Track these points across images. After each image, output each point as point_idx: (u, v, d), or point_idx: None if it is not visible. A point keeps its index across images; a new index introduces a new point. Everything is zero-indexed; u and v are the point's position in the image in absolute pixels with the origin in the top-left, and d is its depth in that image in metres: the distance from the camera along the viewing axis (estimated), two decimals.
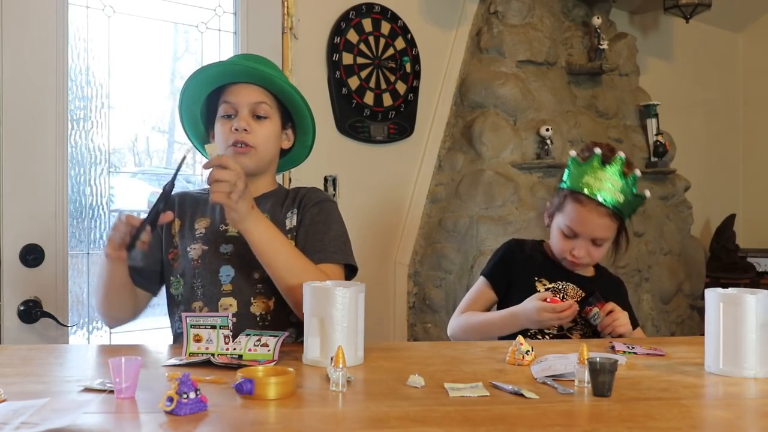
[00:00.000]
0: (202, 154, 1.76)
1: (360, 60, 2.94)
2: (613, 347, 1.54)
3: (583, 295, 1.84)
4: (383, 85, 3.01)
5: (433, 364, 1.37)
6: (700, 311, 3.65)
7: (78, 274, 2.26)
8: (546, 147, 3.09)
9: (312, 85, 2.71)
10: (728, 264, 4.10)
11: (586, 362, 1.16)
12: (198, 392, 1.02)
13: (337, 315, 1.32)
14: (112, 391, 1.10)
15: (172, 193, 1.50)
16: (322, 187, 2.79)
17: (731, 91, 4.63)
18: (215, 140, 1.66)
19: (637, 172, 1.81)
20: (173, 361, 1.34)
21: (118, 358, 1.08)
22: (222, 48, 2.62)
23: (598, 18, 3.41)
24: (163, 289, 1.71)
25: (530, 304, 1.74)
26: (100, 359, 1.42)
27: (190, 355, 1.36)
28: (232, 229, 1.64)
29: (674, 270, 3.66)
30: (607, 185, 1.78)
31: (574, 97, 3.40)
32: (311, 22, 2.79)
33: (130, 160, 2.43)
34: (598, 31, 3.40)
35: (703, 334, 1.37)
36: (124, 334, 2.38)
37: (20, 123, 2.11)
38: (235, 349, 1.36)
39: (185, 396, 1.00)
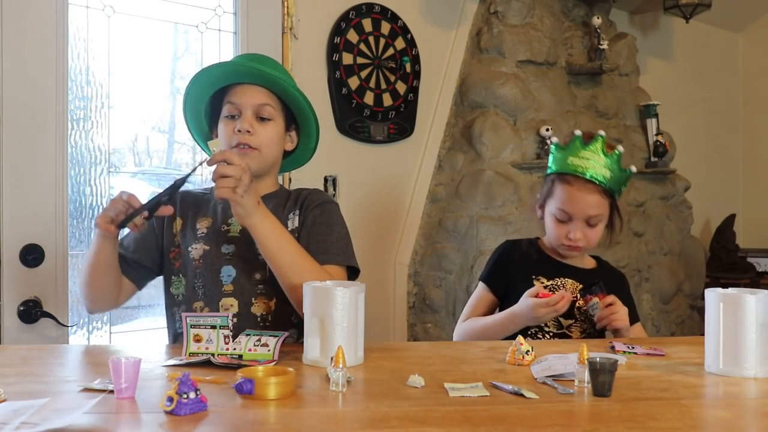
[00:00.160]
0: (206, 153, 1.76)
1: (360, 60, 2.94)
2: (613, 347, 1.54)
3: (582, 295, 1.84)
4: (383, 85, 3.01)
5: (433, 364, 1.37)
6: (700, 311, 3.65)
7: (78, 274, 2.26)
8: (546, 147, 3.09)
9: (312, 85, 2.71)
10: (728, 264, 4.10)
11: (586, 362, 1.16)
12: (198, 392, 1.02)
13: (337, 315, 1.32)
14: (112, 391, 1.10)
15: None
16: (322, 187, 2.79)
17: (731, 91, 4.63)
18: (219, 138, 1.66)
19: (620, 148, 1.82)
20: (173, 361, 1.34)
21: (118, 358, 1.08)
22: (222, 48, 2.62)
23: (598, 18, 3.41)
24: (160, 287, 1.71)
25: (525, 302, 1.73)
26: (100, 359, 1.42)
27: (190, 355, 1.36)
28: (233, 230, 1.64)
29: (674, 270, 3.66)
30: (592, 163, 1.79)
31: (574, 97, 3.40)
32: (311, 22, 2.79)
33: (130, 160, 2.44)
34: (598, 31, 3.40)
35: (703, 334, 1.37)
36: (124, 334, 2.39)
37: (20, 123, 2.11)
38: (235, 349, 1.36)
39: (185, 396, 1.00)
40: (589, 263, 1.94)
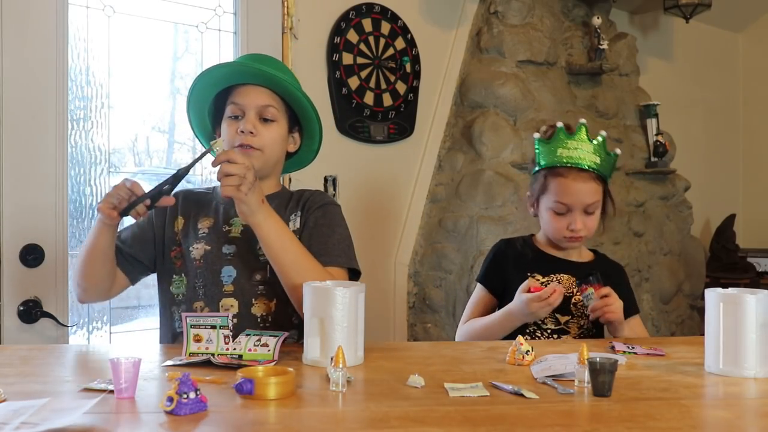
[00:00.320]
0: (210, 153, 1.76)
1: (360, 60, 2.94)
2: (613, 347, 1.54)
3: (578, 284, 1.82)
4: (383, 85, 3.01)
5: (433, 364, 1.37)
6: (700, 311, 3.65)
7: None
8: None
9: (312, 85, 2.71)
10: (728, 264, 4.10)
11: (586, 362, 1.16)
12: (198, 392, 1.02)
13: (337, 315, 1.32)
14: (112, 391, 1.10)
15: (176, 190, 1.49)
16: (322, 187, 2.79)
17: (731, 91, 4.63)
18: (222, 138, 1.65)
19: (603, 133, 1.83)
20: (173, 361, 1.34)
21: (118, 358, 1.08)
22: (222, 48, 2.62)
23: (598, 18, 3.41)
24: (155, 285, 1.71)
25: (519, 298, 1.73)
26: (100, 359, 1.42)
27: (190, 355, 1.36)
28: (235, 230, 1.64)
29: (674, 270, 3.66)
30: (582, 152, 1.80)
31: (574, 97, 3.40)
32: (311, 22, 2.79)
33: (130, 160, 2.44)
34: (598, 31, 3.40)
35: (703, 334, 1.37)
36: (124, 334, 2.39)
37: (20, 123, 2.11)
38: (235, 349, 1.36)
39: (185, 396, 1.00)
40: (586, 256, 1.94)
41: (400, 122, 3.07)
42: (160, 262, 1.69)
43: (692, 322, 3.77)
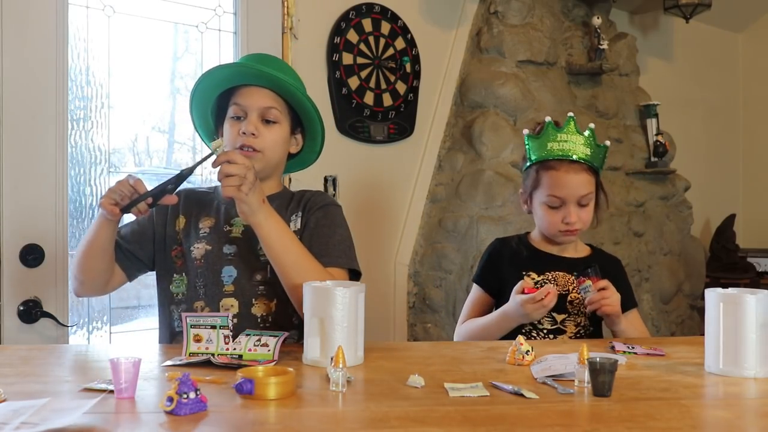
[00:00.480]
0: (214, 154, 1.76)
1: (360, 60, 2.94)
2: (613, 347, 1.54)
3: (576, 276, 1.81)
4: (383, 85, 3.01)
5: (433, 364, 1.37)
6: (700, 311, 3.65)
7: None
8: None
9: (312, 85, 2.69)
10: (728, 264, 4.10)
11: (586, 362, 1.16)
12: (198, 392, 1.02)
13: (337, 315, 1.32)
14: (112, 391, 1.10)
15: (179, 190, 1.50)
16: (322, 188, 2.79)
17: (731, 91, 4.63)
18: (224, 140, 1.66)
19: (592, 125, 1.84)
20: (173, 361, 1.34)
21: (118, 358, 1.08)
22: (222, 48, 2.62)
23: (598, 18, 3.41)
24: (154, 284, 1.71)
25: (513, 299, 1.72)
26: (99, 359, 1.42)
27: (190, 355, 1.36)
28: (236, 230, 1.64)
29: (674, 270, 3.66)
30: (572, 144, 1.80)
31: (574, 97, 3.40)
32: (311, 22, 2.79)
33: (130, 160, 2.43)
34: (598, 31, 3.40)
35: (703, 334, 1.37)
36: (124, 334, 2.39)
37: (20, 123, 2.11)
38: (235, 349, 1.36)
39: (185, 396, 1.00)
40: (583, 250, 1.93)
41: (400, 122, 3.07)
42: (160, 260, 1.69)
43: (692, 322, 3.77)
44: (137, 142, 2.46)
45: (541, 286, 1.80)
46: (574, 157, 1.79)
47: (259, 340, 1.37)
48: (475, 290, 1.95)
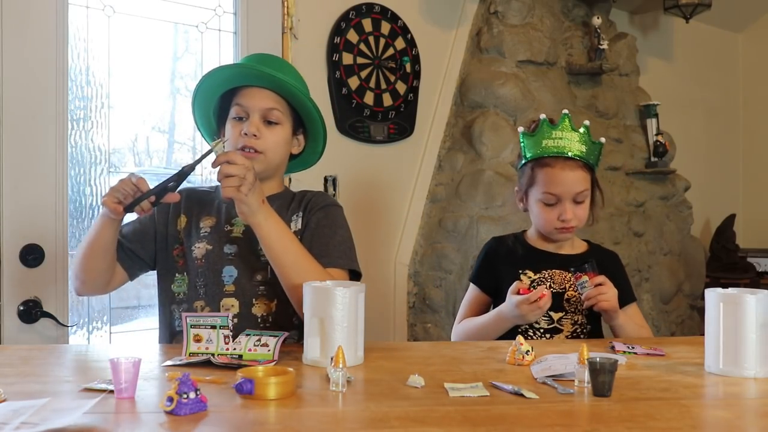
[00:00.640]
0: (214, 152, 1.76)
1: (360, 60, 2.94)
2: (613, 347, 1.54)
3: (573, 272, 1.80)
4: (383, 85, 3.01)
5: (433, 364, 1.37)
6: (700, 311, 3.65)
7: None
8: None
9: (312, 85, 2.68)
10: (728, 264, 4.10)
11: (586, 362, 1.16)
12: (198, 392, 1.02)
13: (337, 315, 1.32)
14: (112, 391, 1.10)
15: (180, 189, 1.49)
16: (322, 187, 2.79)
17: (731, 91, 4.63)
18: (225, 140, 1.66)
19: (586, 122, 1.84)
20: (173, 361, 1.34)
21: (118, 358, 1.08)
22: (222, 48, 2.62)
23: (598, 18, 3.41)
24: (153, 283, 1.71)
25: (509, 300, 1.72)
26: (99, 359, 1.42)
27: (190, 355, 1.36)
28: (237, 230, 1.64)
29: (674, 270, 3.66)
30: (567, 141, 1.80)
31: (574, 97, 3.41)
32: (311, 22, 2.79)
33: (130, 160, 2.43)
34: (598, 31, 3.40)
35: (703, 334, 1.37)
36: (124, 334, 2.39)
37: (20, 123, 2.11)
38: (235, 349, 1.36)
39: (185, 396, 1.00)
40: (580, 247, 1.92)
41: (400, 122, 3.07)
42: (162, 259, 1.69)
43: (692, 322, 3.77)
44: (137, 142, 2.46)
45: (538, 284, 1.80)
46: (569, 153, 1.79)
47: (259, 340, 1.37)
48: (472, 289, 1.95)
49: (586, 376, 1.16)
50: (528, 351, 1.37)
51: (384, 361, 1.40)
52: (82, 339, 2.29)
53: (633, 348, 1.52)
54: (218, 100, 1.70)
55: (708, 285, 3.51)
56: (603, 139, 1.87)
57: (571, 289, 1.80)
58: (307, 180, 2.45)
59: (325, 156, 1.81)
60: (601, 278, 1.73)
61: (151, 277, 1.76)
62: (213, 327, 1.37)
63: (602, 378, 1.13)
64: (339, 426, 1.01)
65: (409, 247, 3.14)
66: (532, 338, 1.78)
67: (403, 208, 3.15)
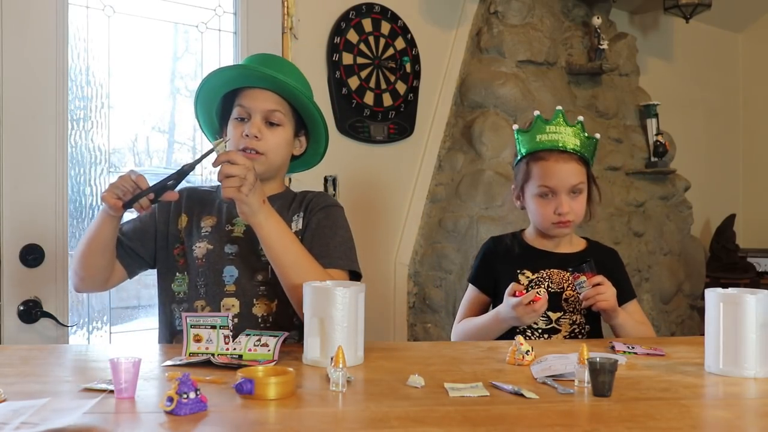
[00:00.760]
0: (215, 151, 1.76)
1: (360, 60, 2.94)
2: (613, 347, 1.54)
3: (571, 272, 1.79)
4: (383, 85, 3.01)
5: (433, 364, 1.37)
6: (700, 311, 3.65)
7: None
8: None
9: (312, 85, 2.69)
10: (728, 264, 4.10)
11: (586, 362, 1.16)
12: (198, 392, 1.02)
13: (337, 315, 1.32)
14: (112, 391, 1.10)
15: (180, 187, 1.49)
16: (322, 188, 2.79)
17: (731, 91, 4.63)
18: (226, 139, 1.66)
19: (581, 118, 1.84)
20: (173, 361, 1.34)
21: (118, 358, 1.08)
22: (222, 48, 2.62)
23: (598, 18, 3.41)
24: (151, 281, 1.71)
25: (506, 302, 1.71)
26: (99, 359, 1.42)
27: (190, 355, 1.36)
28: (237, 230, 1.65)
29: (674, 270, 3.66)
30: (560, 135, 1.81)
31: (574, 97, 3.41)
32: (311, 22, 2.79)
33: (130, 160, 2.43)
34: (598, 31, 3.40)
35: (703, 334, 1.37)
36: (124, 334, 2.39)
37: (20, 123, 2.11)
38: (235, 349, 1.36)
39: (185, 396, 1.00)
40: (578, 244, 1.92)
41: (400, 122, 3.07)
42: (162, 258, 1.69)
43: (692, 322, 3.77)
44: (137, 142, 2.46)
45: (536, 284, 1.79)
46: (563, 146, 1.80)
47: (259, 340, 1.37)
48: (471, 290, 1.94)
49: (586, 376, 1.16)
50: (528, 351, 1.37)
51: (384, 361, 1.40)
52: (82, 339, 2.29)
53: (633, 348, 1.52)
54: (221, 100, 1.70)
55: (708, 285, 3.51)
56: (598, 135, 1.87)
57: (570, 288, 1.80)
58: (307, 180, 2.45)
59: (326, 156, 1.81)
60: (600, 278, 1.72)
61: (151, 277, 1.76)
62: (213, 327, 1.37)
63: (602, 378, 1.13)
64: (339, 426, 1.01)
65: (409, 247, 3.14)
66: (530, 338, 1.77)
67: (403, 208, 3.15)
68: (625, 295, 1.83)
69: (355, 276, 1.64)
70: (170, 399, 1.00)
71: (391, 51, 3.03)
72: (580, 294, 1.74)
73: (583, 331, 1.81)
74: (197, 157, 1.52)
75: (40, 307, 2.13)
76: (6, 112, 2.09)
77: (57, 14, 2.17)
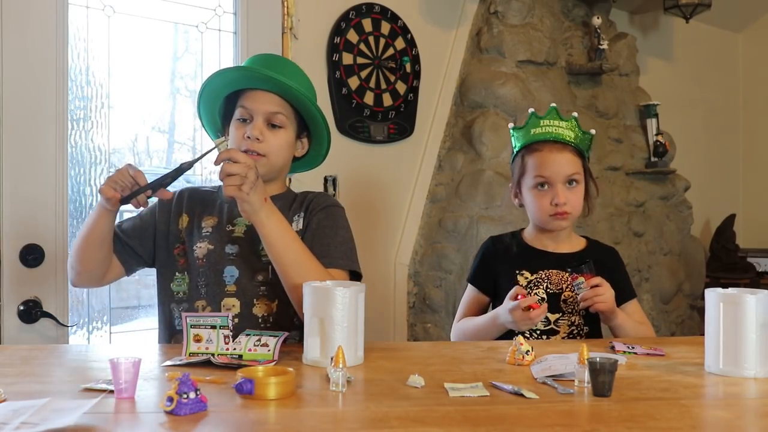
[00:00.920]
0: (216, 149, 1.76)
1: (360, 60, 2.94)
2: (613, 347, 1.54)
3: (570, 272, 1.79)
4: (383, 85, 3.01)
5: (433, 364, 1.37)
6: (700, 311, 3.65)
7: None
8: None
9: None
10: (728, 264, 4.10)
11: (586, 362, 1.16)
12: (198, 392, 1.02)
13: (337, 315, 1.32)
14: (112, 391, 1.10)
15: (182, 188, 1.50)
16: (322, 188, 2.79)
17: (731, 91, 4.63)
18: (229, 140, 1.66)
19: (575, 114, 1.85)
20: (173, 361, 1.34)
21: (118, 358, 1.08)
22: (222, 48, 2.62)
23: (598, 18, 3.41)
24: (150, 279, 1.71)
25: (505, 304, 1.70)
26: (99, 359, 1.42)
27: (190, 355, 1.36)
28: (238, 230, 1.65)
29: (674, 270, 3.66)
30: (554, 128, 1.82)
31: (574, 97, 3.40)
32: (311, 22, 2.79)
33: (130, 160, 2.43)
34: (598, 31, 3.40)
35: (703, 334, 1.37)
36: (124, 334, 2.39)
37: (20, 123, 2.11)
38: (235, 349, 1.36)
39: (185, 396, 1.00)
40: (578, 244, 1.90)
41: (400, 122, 3.07)
42: (162, 257, 1.69)
43: (692, 322, 3.77)
44: (137, 142, 2.46)
45: (535, 286, 1.79)
46: (558, 137, 1.80)
47: (259, 340, 1.37)
48: (470, 290, 1.94)
49: (586, 376, 1.16)
50: (528, 351, 1.37)
51: (384, 361, 1.40)
52: (82, 339, 2.29)
53: (633, 348, 1.52)
54: (223, 100, 1.70)
55: (708, 285, 3.51)
56: (593, 131, 1.88)
57: (568, 290, 1.79)
58: (307, 180, 2.45)
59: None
60: (598, 280, 1.72)
61: (151, 277, 1.76)
62: (213, 327, 1.37)
63: (602, 378, 1.13)
64: (339, 426, 1.01)
65: (409, 247, 3.14)
66: (528, 339, 1.77)
67: (403, 208, 3.15)
68: (625, 294, 1.83)
69: (355, 276, 1.64)
70: (170, 399, 1.00)
71: (391, 51, 3.03)
72: (578, 295, 1.74)
73: (581, 332, 1.81)
74: (197, 155, 1.52)
75: (40, 307, 2.13)
76: (6, 112, 2.09)
77: (57, 14, 2.17)
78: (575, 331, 1.80)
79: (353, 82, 2.91)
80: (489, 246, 1.94)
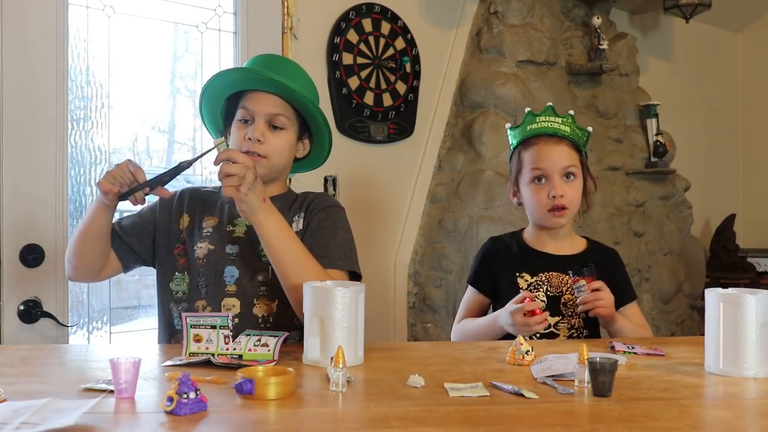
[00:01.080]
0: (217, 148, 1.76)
1: (360, 60, 2.94)
2: (613, 347, 1.54)
3: (571, 275, 1.79)
4: (383, 85, 3.01)
5: (433, 364, 1.37)
6: (700, 311, 3.65)
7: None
8: None
9: None
10: (728, 264, 4.10)
11: (586, 362, 1.16)
12: (198, 392, 1.02)
13: (337, 315, 1.32)
14: (112, 391, 1.10)
15: (183, 188, 1.50)
16: (322, 188, 2.79)
17: (731, 91, 4.63)
18: (230, 141, 1.66)
19: (571, 112, 1.86)
20: (173, 361, 1.34)
21: (118, 358, 1.08)
22: (222, 48, 2.62)
23: (598, 18, 3.41)
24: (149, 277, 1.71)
25: (506, 307, 1.70)
26: (100, 359, 1.42)
27: (190, 355, 1.36)
28: (239, 231, 1.65)
29: (674, 270, 3.66)
30: (550, 123, 1.83)
31: (574, 97, 3.40)
32: (311, 22, 2.79)
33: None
34: (598, 31, 3.40)
35: (703, 334, 1.37)
36: (125, 334, 2.39)
37: (20, 123, 2.11)
38: (235, 349, 1.36)
39: (185, 396, 1.00)
40: (578, 245, 1.90)
41: (400, 122, 3.07)
42: (162, 257, 1.69)
43: (692, 322, 3.77)
44: (137, 142, 2.46)
45: (535, 289, 1.79)
46: (554, 131, 1.81)
47: (259, 340, 1.37)
48: (470, 291, 1.94)
49: (586, 376, 1.16)
50: (528, 351, 1.37)
51: (384, 361, 1.40)
52: (82, 339, 2.29)
53: (633, 348, 1.52)
54: (225, 100, 1.70)
55: (708, 285, 3.51)
56: (590, 128, 1.89)
57: (569, 293, 1.79)
58: (306, 180, 2.45)
59: None
60: (599, 284, 1.71)
61: (151, 277, 1.76)
62: (213, 327, 1.37)
63: (602, 378, 1.13)
64: (339, 426, 1.01)
65: (409, 247, 3.14)
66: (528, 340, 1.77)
67: (403, 208, 3.15)
68: (625, 295, 1.83)
69: (355, 277, 1.64)
70: (170, 399, 1.00)
71: (391, 51, 3.03)
72: (577, 297, 1.74)
73: (581, 335, 1.80)
74: (196, 155, 1.52)
75: (40, 307, 2.13)
76: (6, 112, 2.09)
77: (57, 14, 2.17)
78: (575, 335, 1.80)
79: (353, 82, 2.91)
80: (489, 247, 1.94)
